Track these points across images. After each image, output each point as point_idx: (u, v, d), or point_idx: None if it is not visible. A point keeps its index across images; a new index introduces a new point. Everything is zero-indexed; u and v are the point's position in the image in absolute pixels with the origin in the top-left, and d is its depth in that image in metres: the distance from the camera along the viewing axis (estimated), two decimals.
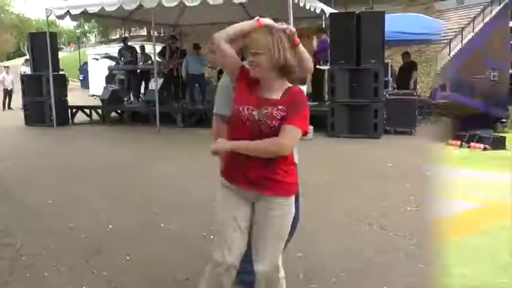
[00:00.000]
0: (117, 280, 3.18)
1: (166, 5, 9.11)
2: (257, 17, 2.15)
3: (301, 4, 9.19)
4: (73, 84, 23.70)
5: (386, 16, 8.90)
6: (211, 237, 3.88)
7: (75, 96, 12.36)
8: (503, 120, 10.09)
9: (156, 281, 3.16)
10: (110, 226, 4.25)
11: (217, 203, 2.28)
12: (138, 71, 12.76)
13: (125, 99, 12.54)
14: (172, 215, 4.54)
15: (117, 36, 36.46)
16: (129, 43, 13.60)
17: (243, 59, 2.33)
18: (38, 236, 4.07)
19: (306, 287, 3.03)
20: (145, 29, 28.08)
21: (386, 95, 9.27)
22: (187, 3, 9.07)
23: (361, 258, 3.44)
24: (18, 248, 3.78)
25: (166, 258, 3.55)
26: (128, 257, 3.56)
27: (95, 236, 4.02)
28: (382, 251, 3.57)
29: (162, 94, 11.40)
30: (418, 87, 11.86)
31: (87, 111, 12.25)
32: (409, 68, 11.00)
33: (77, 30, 46.53)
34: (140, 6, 9.49)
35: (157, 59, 11.52)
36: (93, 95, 17.36)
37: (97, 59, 16.15)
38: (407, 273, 3.18)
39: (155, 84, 10.58)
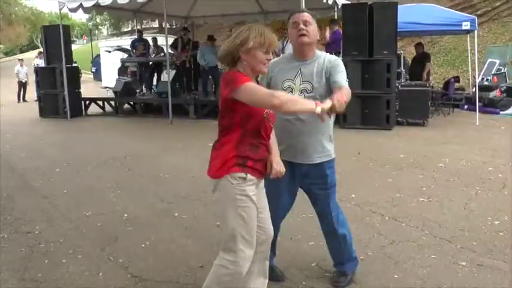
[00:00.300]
0: (133, 267, 3.26)
1: None
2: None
3: None
4: (86, 76, 23.88)
5: (399, 7, 8.83)
6: None
7: (87, 88, 12.47)
8: None
9: (171, 268, 3.23)
10: (125, 215, 4.34)
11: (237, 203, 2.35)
12: (151, 63, 12.83)
13: (138, 91, 12.63)
14: (186, 205, 4.61)
15: (129, 28, 36.67)
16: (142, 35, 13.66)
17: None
18: (55, 224, 4.17)
19: (320, 275, 3.07)
20: (157, 21, 28.17)
21: (399, 86, 9.21)
22: None
23: (373, 247, 3.47)
24: (37, 236, 3.89)
25: (181, 246, 3.62)
26: (143, 245, 3.64)
27: (111, 225, 4.11)
28: (394, 241, 3.60)
29: (174, 86, 11.46)
30: (431, 78, 11.77)
31: (100, 103, 12.36)
32: (422, 59, 10.93)
33: (90, 23, 46.81)
34: None
35: (170, 51, 11.58)
36: (105, 87, 17.50)
37: (109, 52, 16.20)
38: (419, 264, 3.21)
39: (167, 76, 10.63)
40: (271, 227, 2.59)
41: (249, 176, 2.31)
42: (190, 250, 3.54)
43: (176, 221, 4.21)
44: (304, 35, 2.62)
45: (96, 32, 54.50)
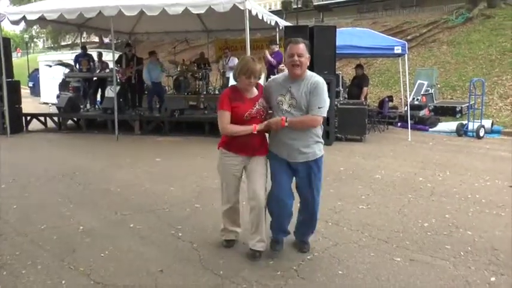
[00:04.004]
0: (94, 274, 3.39)
1: (126, 13, 9.26)
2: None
3: (259, 16, 9.61)
4: (22, 91, 22.93)
5: (337, 30, 9.45)
6: (180, 234, 4.19)
7: (25, 104, 12.06)
8: None
9: (132, 274, 3.39)
10: (81, 227, 4.42)
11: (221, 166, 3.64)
12: (95, 78, 12.72)
13: (82, 106, 12.46)
14: (140, 216, 4.75)
15: (69, 42, 35.66)
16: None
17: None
18: (9, 238, 4.17)
19: (271, 274, 3.37)
20: (97, 35, 27.69)
21: (338, 104, 9.81)
22: (147, 13, 9.24)
23: (318, 249, 3.83)
24: None
25: (139, 254, 3.78)
26: (102, 255, 3.77)
27: (67, 237, 4.18)
28: (338, 243, 3.97)
29: (119, 101, 11.44)
30: (367, 98, 12.53)
31: (42, 119, 12.05)
32: (360, 82, 11.49)
33: (26, 35, 44.87)
34: (100, 14, 9.55)
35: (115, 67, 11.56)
36: (45, 103, 17.00)
37: (50, 66, 15.81)
38: (360, 261, 3.59)
39: (114, 91, 10.62)
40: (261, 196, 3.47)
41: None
42: (149, 257, 3.72)
43: (132, 231, 4.35)
44: (297, 65, 3.34)
45: (32, 44, 52.30)
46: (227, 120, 3.41)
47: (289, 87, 3.40)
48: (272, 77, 3.86)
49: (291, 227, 3.84)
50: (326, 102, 3.40)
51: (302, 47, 3.36)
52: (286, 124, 3.33)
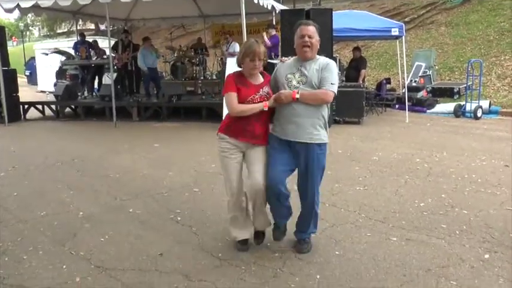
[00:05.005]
0: (95, 258, 3.44)
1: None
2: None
3: (255, 0, 9.54)
4: (19, 80, 22.80)
5: (334, 13, 9.40)
6: (179, 218, 4.24)
7: (22, 92, 12.03)
8: None
9: (132, 257, 3.44)
10: (81, 213, 4.46)
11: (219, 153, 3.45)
12: (92, 65, 12.68)
13: (79, 94, 12.44)
14: (139, 202, 4.80)
15: (65, 30, 35.39)
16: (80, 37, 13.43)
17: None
18: (9, 225, 4.22)
19: (269, 255, 3.42)
20: (93, 22, 27.49)
21: None
22: None
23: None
24: None
25: (139, 238, 3.83)
26: (102, 239, 3.82)
27: (67, 223, 4.23)
28: (335, 224, 4.03)
29: (117, 88, 11.42)
30: (365, 80, 12.50)
31: (40, 107, 12.04)
32: (358, 64, 11.43)
33: (21, 24, 44.47)
34: (94, 0, 9.47)
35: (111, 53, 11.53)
36: (43, 91, 16.96)
37: (46, 54, 15.73)
38: (357, 241, 3.64)
39: (111, 78, 10.60)
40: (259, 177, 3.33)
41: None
42: (149, 240, 3.77)
43: (131, 216, 4.40)
44: (307, 46, 3.30)
45: (28, 33, 51.90)
46: (235, 101, 3.31)
47: (300, 66, 3.35)
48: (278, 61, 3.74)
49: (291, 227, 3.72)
50: (337, 81, 3.36)
51: (312, 29, 3.35)
52: (297, 96, 3.21)
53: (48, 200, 4.94)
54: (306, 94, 3.23)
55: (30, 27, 54.24)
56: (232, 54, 11.41)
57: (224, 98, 3.43)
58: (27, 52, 27.91)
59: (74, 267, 3.32)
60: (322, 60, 3.37)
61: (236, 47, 11.57)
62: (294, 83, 3.31)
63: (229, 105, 3.35)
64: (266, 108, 3.31)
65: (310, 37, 3.31)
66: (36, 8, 10.67)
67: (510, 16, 15.72)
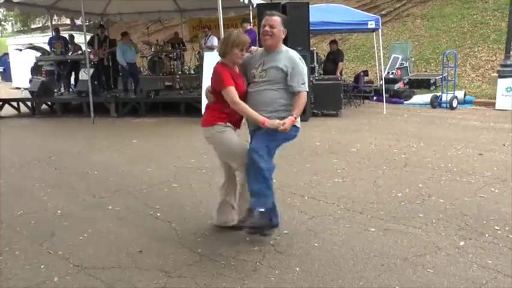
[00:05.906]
0: (74, 257, 3.40)
1: None
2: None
3: None
4: None
5: (311, 7, 9.43)
6: (158, 214, 4.22)
7: None
8: None
9: (111, 255, 3.41)
10: (59, 211, 4.40)
11: (228, 137, 3.46)
12: (68, 61, 12.45)
13: (55, 90, 12.22)
14: (118, 198, 4.75)
15: (40, 25, 34.62)
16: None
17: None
18: None
19: (249, 249, 3.43)
20: (68, 17, 26.94)
21: (313, 80, 9.85)
22: None
23: (295, 223, 3.90)
24: None
25: (118, 235, 3.80)
26: (80, 238, 3.77)
27: (45, 222, 4.16)
28: (313, 216, 4.06)
29: (93, 84, 11.25)
30: (343, 73, 12.59)
31: (15, 104, 11.80)
32: (335, 57, 11.47)
33: None
34: None
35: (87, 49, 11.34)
36: (17, 88, 16.60)
37: (20, 50, 15.38)
38: (336, 233, 3.68)
39: (88, 74, 10.43)
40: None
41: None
42: (128, 238, 3.74)
43: (110, 213, 4.35)
44: (268, 35, 3.39)
45: (0, 28, 50.55)
46: (237, 95, 3.32)
47: (263, 60, 3.44)
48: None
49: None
50: (306, 75, 3.46)
51: (275, 19, 3.41)
52: (294, 119, 3.38)
53: (24, 198, 4.85)
54: (297, 113, 3.40)
55: (3, 22, 52.85)
56: (210, 48, 11.36)
57: (223, 92, 3.34)
58: (1, 48, 27.23)
59: (52, 266, 3.28)
60: (286, 53, 3.44)
61: (214, 41, 11.51)
62: (257, 78, 3.44)
63: (232, 99, 3.31)
64: (263, 126, 3.31)
65: (272, 27, 3.38)
66: (7, 3, 10.42)
67: (482, 9, 16.02)
